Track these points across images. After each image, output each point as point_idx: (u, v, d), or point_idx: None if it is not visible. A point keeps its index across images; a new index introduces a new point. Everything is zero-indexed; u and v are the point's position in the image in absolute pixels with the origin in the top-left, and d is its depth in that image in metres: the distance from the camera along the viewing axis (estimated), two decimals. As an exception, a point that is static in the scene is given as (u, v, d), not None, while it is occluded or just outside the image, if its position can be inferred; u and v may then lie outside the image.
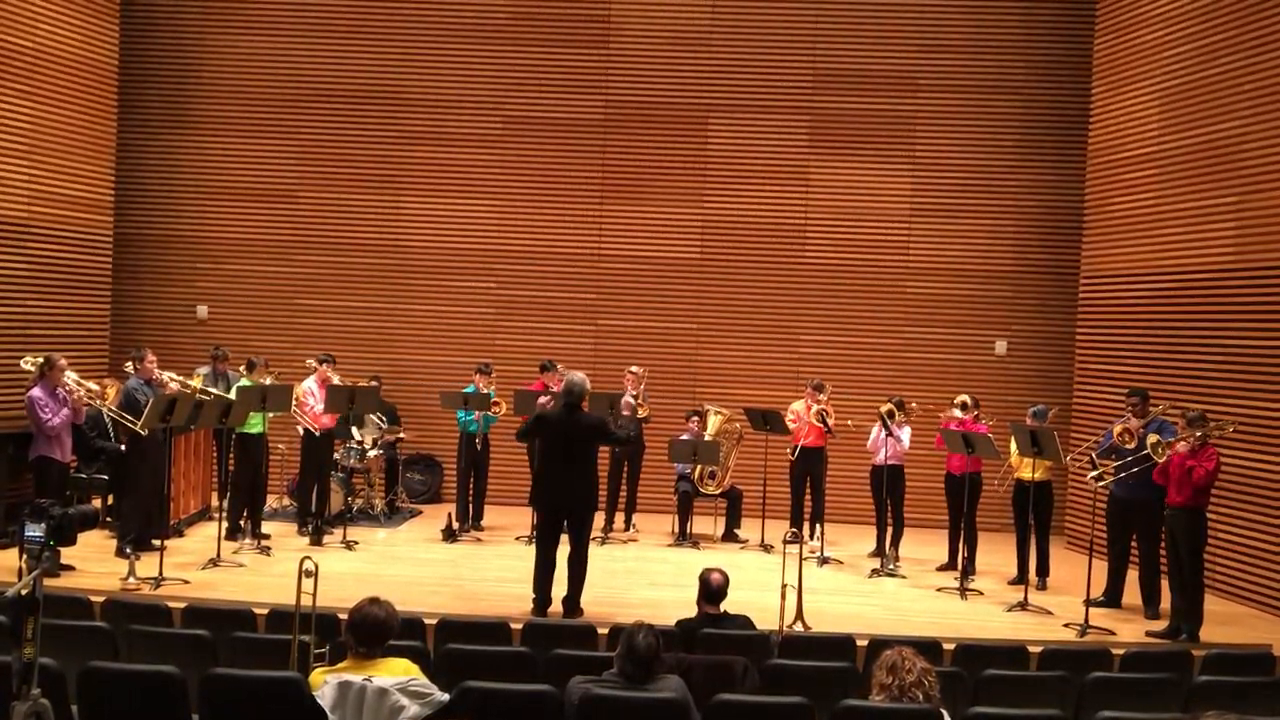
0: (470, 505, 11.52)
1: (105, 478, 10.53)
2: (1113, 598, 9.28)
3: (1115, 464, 8.90)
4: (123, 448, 10.12)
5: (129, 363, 10.02)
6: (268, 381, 10.60)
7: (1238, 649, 7.75)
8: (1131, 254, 11.53)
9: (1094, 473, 9.14)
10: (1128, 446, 8.81)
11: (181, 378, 10.37)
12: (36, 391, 9.12)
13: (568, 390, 8.45)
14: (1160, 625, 8.67)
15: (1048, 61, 13.17)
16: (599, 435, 8.55)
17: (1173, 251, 10.97)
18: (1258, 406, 9.79)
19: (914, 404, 10.74)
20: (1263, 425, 9.72)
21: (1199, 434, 8.36)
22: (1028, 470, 9.65)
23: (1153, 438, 8.49)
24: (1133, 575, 9.36)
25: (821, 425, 10.86)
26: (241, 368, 10.89)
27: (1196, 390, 10.28)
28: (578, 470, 8.36)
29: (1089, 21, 12.54)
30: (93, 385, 9.73)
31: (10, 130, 11.44)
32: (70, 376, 9.37)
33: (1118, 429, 8.95)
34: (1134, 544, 9.42)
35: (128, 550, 8.99)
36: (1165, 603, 8.85)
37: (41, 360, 9.31)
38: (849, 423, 10.95)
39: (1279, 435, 9.61)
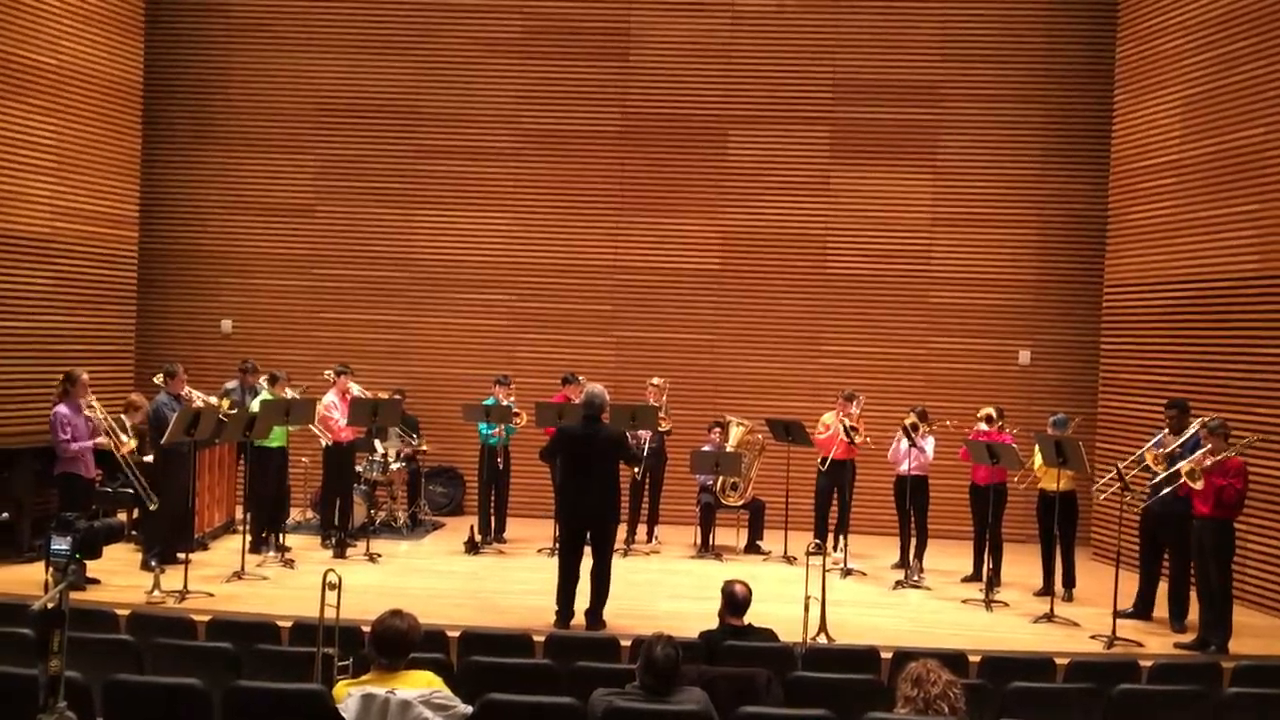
0: (492, 517, 11.52)
1: (131, 491, 10.57)
2: (1143, 610, 9.18)
3: (1150, 482, 8.80)
4: (148, 459, 10.18)
5: (159, 375, 10.08)
6: (289, 395, 10.64)
7: (1268, 661, 7.66)
8: (1155, 262, 11.46)
9: (1128, 494, 9.03)
10: (1158, 469, 8.72)
11: (211, 398, 10.39)
12: (61, 409, 9.13)
13: (587, 403, 8.47)
14: (1188, 638, 8.59)
15: (1069, 70, 13.11)
16: (618, 448, 8.57)
17: (1196, 259, 10.89)
18: (1285, 415, 9.70)
19: (949, 421, 10.62)
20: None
21: (1225, 448, 8.26)
22: (1052, 481, 9.58)
23: (1186, 465, 8.35)
24: (1163, 587, 9.26)
25: (846, 439, 10.80)
26: (263, 380, 10.95)
27: (1222, 398, 10.18)
28: (599, 482, 8.37)
29: (1110, 30, 12.49)
30: (114, 425, 9.68)
31: (36, 147, 11.56)
32: (96, 410, 9.37)
33: (1150, 457, 8.81)
34: (1165, 556, 9.33)
35: (153, 563, 9.03)
36: (1193, 615, 8.77)
37: (64, 375, 9.35)
38: (867, 440, 10.89)
39: (1307, 444, 9.52)
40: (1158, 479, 8.74)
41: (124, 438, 9.68)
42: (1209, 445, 8.34)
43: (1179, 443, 8.77)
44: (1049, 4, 13.18)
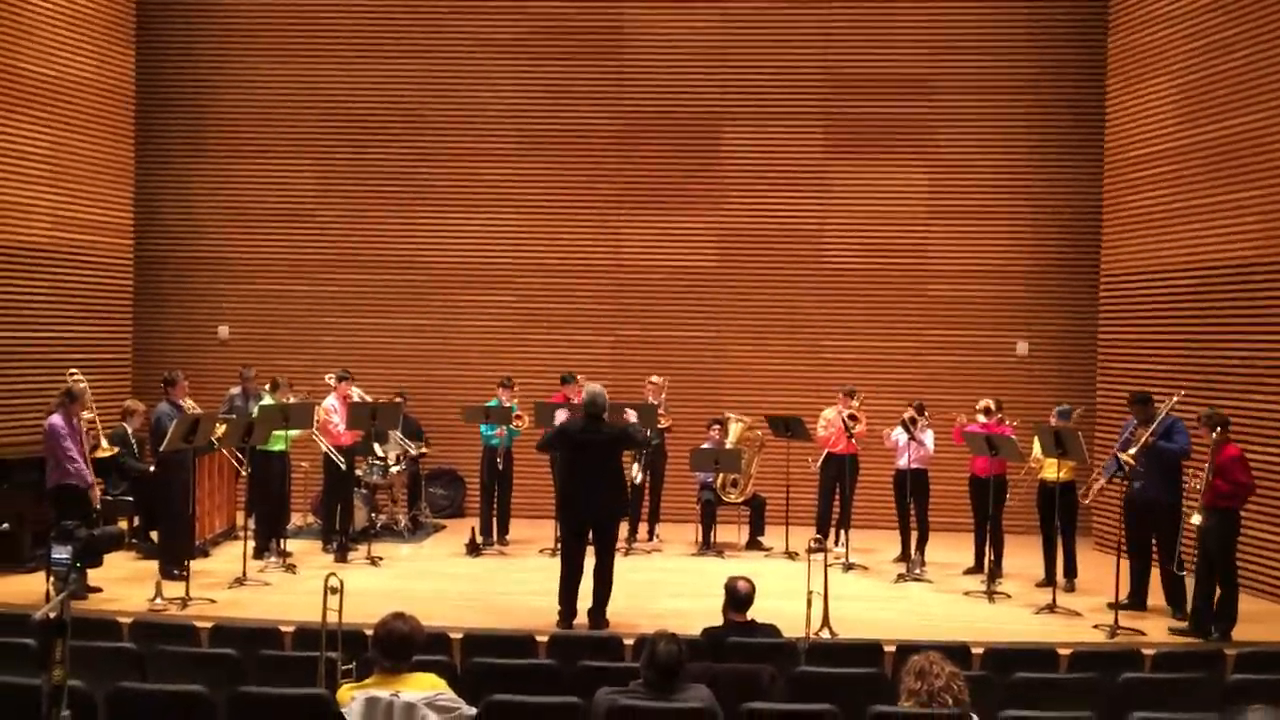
0: (494, 519, 11.50)
1: (130, 499, 10.57)
2: (1138, 600, 9.15)
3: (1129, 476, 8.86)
4: (152, 469, 10.19)
5: (164, 384, 10.08)
6: (291, 400, 10.63)
7: (1272, 647, 7.65)
8: (1151, 251, 11.46)
9: (1099, 484, 9.12)
10: (1135, 451, 8.75)
11: (198, 410, 10.38)
12: (56, 420, 9.09)
13: (589, 403, 8.48)
14: (1185, 624, 8.56)
15: (1062, 60, 13.12)
16: (621, 442, 8.59)
17: (1192, 247, 10.89)
18: (1283, 401, 9.71)
19: (962, 417, 10.52)
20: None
21: (1216, 433, 8.30)
22: (1052, 471, 9.59)
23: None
24: (1155, 576, 9.25)
25: (846, 431, 10.78)
26: (266, 386, 10.93)
27: (1220, 386, 10.19)
28: (602, 482, 8.37)
29: (1102, 19, 12.48)
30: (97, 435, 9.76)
31: (30, 157, 11.55)
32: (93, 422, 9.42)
33: (1124, 457, 8.80)
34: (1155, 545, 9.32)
35: (175, 571, 9.04)
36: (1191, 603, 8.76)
37: (64, 390, 9.32)
38: (866, 435, 10.87)
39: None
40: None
41: (103, 443, 9.77)
42: (1209, 440, 8.34)
43: (1150, 431, 8.77)
44: (1040, -5, 13.19)
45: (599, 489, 8.35)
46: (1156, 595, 9.18)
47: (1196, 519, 8.33)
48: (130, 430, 10.60)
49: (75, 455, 8.97)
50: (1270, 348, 9.91)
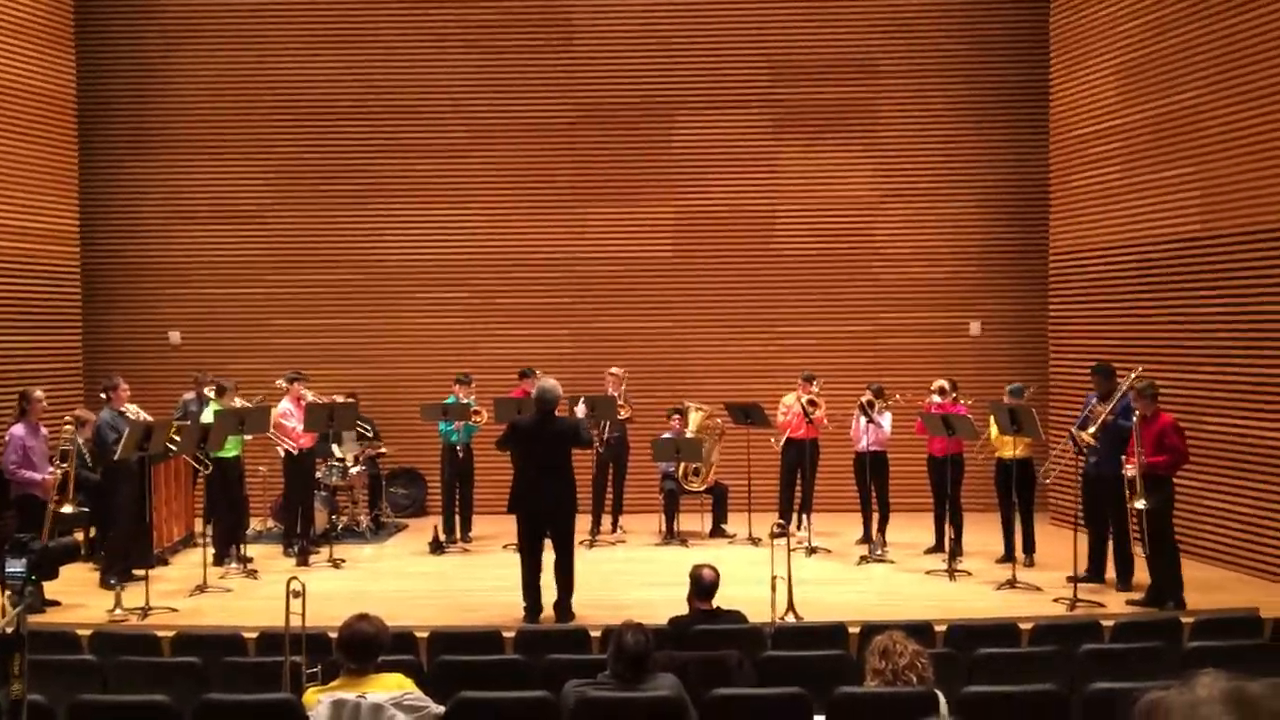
0: (457, 516, 11.46)
1: (86, 510, 10.40)
2: (1096, 572, 9.27)
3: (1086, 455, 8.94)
4: (95, 477, 10.03)
5: (103, 393, 9.91)
6: (238, 403, 10.50)
7: (1225, 613, 7.81)
8: (1099, 228, 11.61)
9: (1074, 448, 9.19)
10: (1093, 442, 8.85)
11: (144, 414, 10.22)
12: (17, 430, 8.93)
13: (540, 398, 8.46)
14: (1138, 595, 8.69)
15: (1004, 40, 13.25)
16: (572, 440, 8.58)
17: (1140, 223, 11.04)
18: (1230, 372, 9.88)
19: (898, 396, 10.74)
20: (1237, 391, 9.80)
21: (1155, 407, 8.43)
22: (1008, 448, 9.69)
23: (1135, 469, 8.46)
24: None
25: (805, 416, 10.83)
26: (209, 390, 10.72)
27: (1170, 360, 10.35)
28: (555, 476, 8.37)
29: (1044, -1, 12.62)
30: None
31: (-31, 166, 11.34)
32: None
33: (1084, 438, 8.90)
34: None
35: (113, 581, 8.91)
36: (1140, 575, 8.88)
37: (19, 395, 9.17)
38: (824, 420, 10.94)
39: (1255, 401, 9.68)
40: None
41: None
42: (1142, 408, 8.44)
43: (1109, 409, 8.86)
44: (982, -24, 13.30)
45: (550, 484, 8.34)
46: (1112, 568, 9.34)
47: (1140, 504, 8.41)
48: (81, 440, 10.42)
49: (23, 469, 8.83)
50: (1216, 319, 10.08)
